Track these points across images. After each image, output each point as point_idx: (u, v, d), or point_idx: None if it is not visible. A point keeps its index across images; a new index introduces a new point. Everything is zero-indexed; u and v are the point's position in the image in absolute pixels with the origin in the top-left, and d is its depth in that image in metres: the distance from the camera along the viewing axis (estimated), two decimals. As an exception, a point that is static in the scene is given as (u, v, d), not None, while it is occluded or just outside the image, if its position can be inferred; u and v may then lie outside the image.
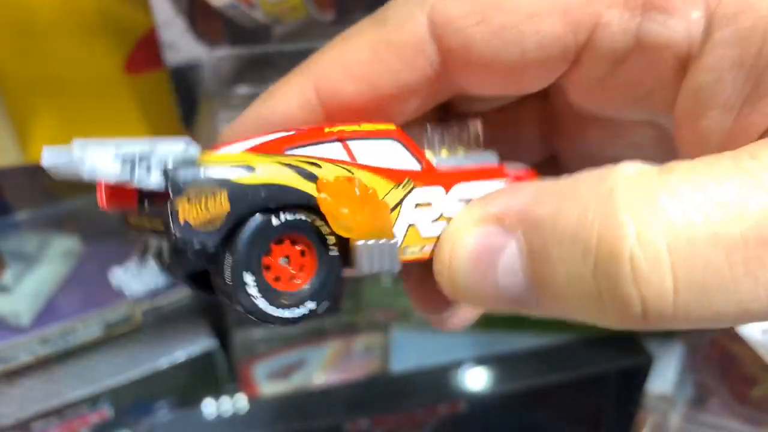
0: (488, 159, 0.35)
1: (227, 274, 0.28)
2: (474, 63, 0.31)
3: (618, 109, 0.34)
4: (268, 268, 0.29)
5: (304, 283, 0.30)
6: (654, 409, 0.97)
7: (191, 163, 0.26)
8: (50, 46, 0.69)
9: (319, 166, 0.30)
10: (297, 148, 0.30)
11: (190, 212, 0.26)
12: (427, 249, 0.32)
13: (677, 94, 0.30)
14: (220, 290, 0.29)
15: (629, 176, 0.24)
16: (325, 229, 0.29)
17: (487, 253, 0.28)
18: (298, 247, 0.30)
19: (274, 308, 0.29)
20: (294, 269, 0.30)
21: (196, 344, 0.87)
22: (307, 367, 0.98)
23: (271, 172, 0.28)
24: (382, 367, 0.99)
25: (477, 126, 0.35)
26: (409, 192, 0.31)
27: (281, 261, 0.29)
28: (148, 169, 0.26)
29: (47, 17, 0.68)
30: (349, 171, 0.30)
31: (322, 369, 0.99)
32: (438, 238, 0.32)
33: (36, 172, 0.82)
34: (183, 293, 0.89)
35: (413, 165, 0.32)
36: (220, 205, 0.26)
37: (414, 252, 0.32)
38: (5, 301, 0.82)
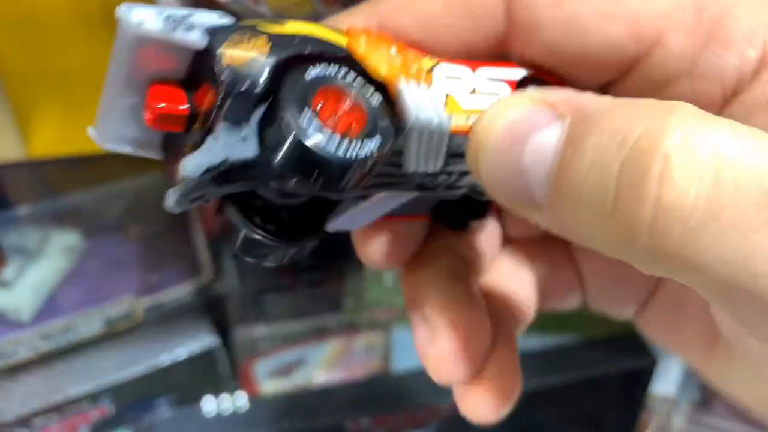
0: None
1: (277, 114, 0.26)
2: (534, 43, 0.32)
3: None
4: (319, 116, 0.27)
5: (357, 133, 0.28)
6: (657, 411, 0.97)
7: (231, 23, 0.27)
8: (53, 39, 0.69)
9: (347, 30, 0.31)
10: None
11: (232, 58, 0.26)
12: (471, 121, 0.31)
13: None
14: (274, 141, 0.27)
15: (697, 109, 0.23)
16: (372, 76, 0.29)
17: (525, 127, 0.27)
18: (346, 102, 0.28)
19: (325, 144, 0.26)
20: (346, 116, 0.28)
21: (198, 341, 0.87)
22: (307, 366, 0.97)
23: (301, 25, 0.28)
24: (383, 366, 0.99)
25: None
26: (438, 63, 0.31)
27: (331, 113, 0.28)
28: (191, 26, 0.26)
29: (50, 11, 0.67)
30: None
31: (323, 368, 0.98)
32: (480, 111, 0.31)
33: (37, 166, 0.81)
34: (185, 290, 0.89)
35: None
36: (261, 46, 0.26)
37: (459, 122, 0.31)
38: (6, 296, 0.81)
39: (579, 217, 0.25)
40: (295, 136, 0.27)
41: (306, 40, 0.28)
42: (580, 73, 0.33)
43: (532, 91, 0.30)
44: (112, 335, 0.85)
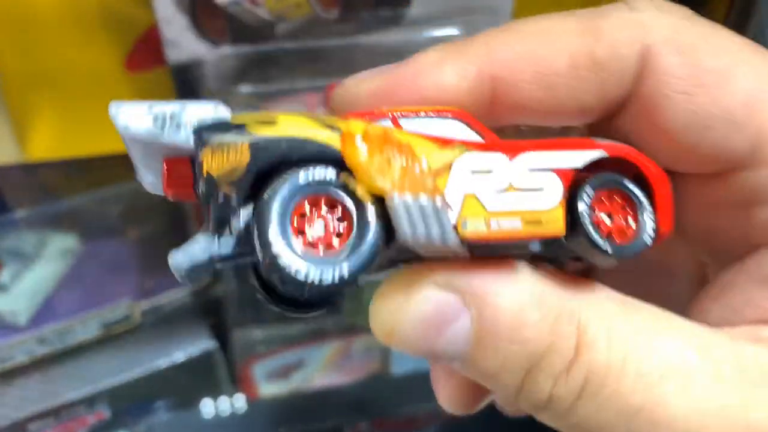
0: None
1: (255, 231, 0.26)
2: (649, 121, 0.31)
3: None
4: (299, 231, 0.27)
5: (338, 247, 0.27)
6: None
7: (219, 121, 0.27)
8: (50, 42, 0.69)
9: (347, 121, 0.28)
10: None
11: (212, 163, 0.26)
12: (498, 226, 0.28)
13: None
14: (252, 254, 0.27)
15: (602, 304, 0.29)
16: (361, 190, 0.27)
17: (437, 322, 0.29)
18: (334, 211, 0.28)
19: (295, 270, 0.26)
20: (329, 235, 0.27)
21: (195, 345, 0.87)
22: (306, 368, 0.97)
23: (293, 124, 0.27)
24: (382, 368, 0.99)
25: (581, 129, 0.32)
26: (461, 155, 0.28)
27: (315, 224, 0.27)
28: (178, 125, 0.27)
29: (47, 13, 0.67)
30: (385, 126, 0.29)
31: (322, 369, 0.98)
32: (514, 213, 0.28)
33: (34, 169, 0.81)
34: (182, 293, 0.89)
35: (472, 138, 0.30)
36: (241, 155, 0.26)
37: (478, 228, 0.28)
38: (2, 300, 0.81)
39: (489, 384, 0.30)
40: (272, 260, 0.26)
41: (294, 144, 0.27)
42: (681, 164, 0.32)
43: (438, 277, 0.29)
44: (110, 339, 0.85)
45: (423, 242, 0.27)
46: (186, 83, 0.68)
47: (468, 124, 0.30)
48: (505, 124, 0.32)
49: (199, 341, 0.87)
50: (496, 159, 0.28)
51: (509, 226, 0.28)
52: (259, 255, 0.26)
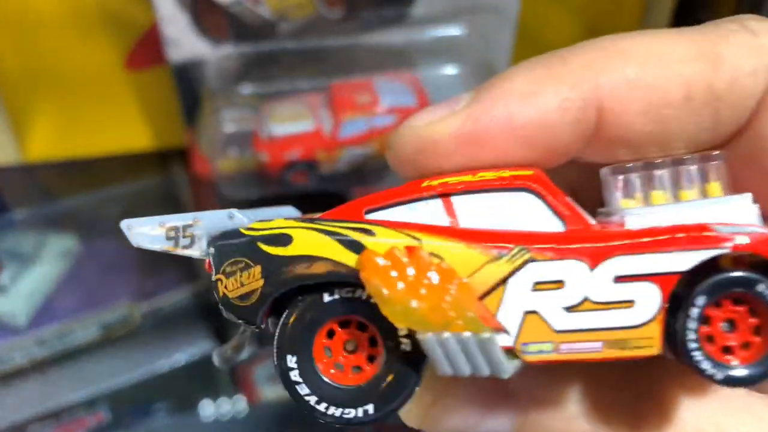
0: (724, 208, 0.25)
1: (274, 353, 0.25)
2: None
3: None
4: (327, 352, 0.25)
5: (366, 379, 0.24)
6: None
7: (232, 234, 0.25)
8: (49, 42, 0.68)
9: (372, 233, 0.24)
10: (381, 209, 0.25)
11: (227, 285, 0.25)
12: (570, 350, 0.23)
13: None
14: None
15: None
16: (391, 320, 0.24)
17: (479, 413, 0.27)
18: (366, 334, 0.25)
19: (316, 399, 0.24)
20: (359, 359, 0.25)
21: (196, 347, 0.86)
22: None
23: (308, 241, 0.24)
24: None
25: (718, 161, 0.26)
26: (522, 266, 0.23)
27: (348, 346, 0.25)
28: (192, 239, 0.26)
29: (46, 13, 0.66)
30: (416, 238, 0.24)
31: (323, 372, 0.97)
32: (592, 334, 0.23)
33: (33, 170, 0.80)
34: (182, 295, 0.88)
35: (550, 224, 0.25)
36: (255, 280, 0.25)
37: (544, 351, 0.23)
38: (1, 301, 0.80)
39: None
40: (290, 389, 0.25)
41: (308, 264, 0.24)
42: None
43: (478, 389, 0.26)
44: (109, 341, 0.84)
45: (467, 375, 0.23)
46: (187, 82, 0.67)
47: (543, 199, 0.25)
48: (602, 160, 0.27)
49: (200, 343, 0.87)
50: (571, 268, 0.23)
51: (585, 349, 0.23)
52: (280, 380, 0.25)
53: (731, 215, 0.25)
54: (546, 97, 0.26)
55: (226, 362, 0.28)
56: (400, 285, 0.23)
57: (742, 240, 0.23)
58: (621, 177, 0.26)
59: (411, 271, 0.23)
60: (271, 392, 0.95)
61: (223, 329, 0.90)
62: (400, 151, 0.27)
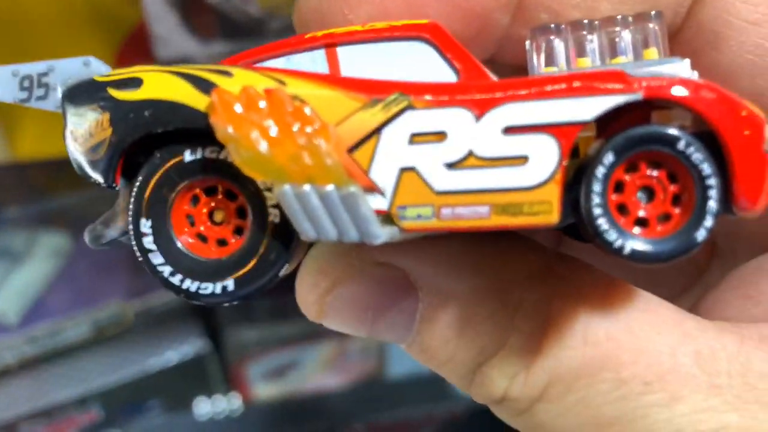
0: (662, 68, 0.22)
1: (128, 214, 0.23)
2: (717, 50, 0.26)
3: None
4: (190, 220, 0.23)
5: (229, 252, 0.22)
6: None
7: (85, 83, 0.23)
8: (39, 40, 0.68)
9: (230, 74, 0.22)
10: (267, 59, 0.23)
11: (78, 137, 0.23)
12: (453, 215, 0.20)
13: None
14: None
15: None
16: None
17: (379, 302, 0.25)
18: (235, 204, 0.23)
19: (170, 270, 0.22)
20: (224, 231, 0.23)
21: (188, 345, 0.86)
22: (302, 368, 0.96)
23: (159, 84, 0.22)
24: (378, 368, 0.98)
25: (655, 23, 0.23)
26: (398, 114, 0.21)
27: (215, 216, 0.23)
28: (46, 89, 0.24)
29: (36, 12, 0.66)
30: (279, 81, 0.21)
31: (317, 369, 0.97)
32: (478, 196, 0.20)
33: (24, 168, 0.80)
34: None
35: (444, 76, 0.22)
36: (104, 129, 0.23)
37: (423, 216, 0.21)
38: (-8, 299, 0.80)
39: (438, 371, 0.27)
40: (146, 261, 0.23)
41: (160, 112, 0.22)
42: None
43: (378, 253, 0.23)
44: (101, 339, 0.84)
45: (337, 241, 0.21)
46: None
47: (439, 49, 0.22)
48: (536, 25, 0.25)
49: (192, 342, 0.87)
50: (454, 117, 0.20)
51: (470, 215, 0.20)
52: (134, 246, 0.23)
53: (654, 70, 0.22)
54: None
55: (95, 240, 0.25)
56: (253, 129, 0.20)
57: (657, 84, 0.20)
58: (543, 40, 0.23)
59: (266, 114, 0.20)
60: (266, 390, 0.95)
61: (215, 327, 0.90)
62: (305, 3, 0.25)
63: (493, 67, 0.25)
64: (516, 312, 0.24)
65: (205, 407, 0.91)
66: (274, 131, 0.20)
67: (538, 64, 0.23)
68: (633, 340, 0.24)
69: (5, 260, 0.82)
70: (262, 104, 0.20)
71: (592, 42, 0.23)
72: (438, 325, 0.25)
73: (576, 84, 0.20)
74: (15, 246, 0.84)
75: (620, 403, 0.23)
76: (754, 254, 0.28)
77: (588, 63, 0.22)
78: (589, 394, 0.23)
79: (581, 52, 0.22)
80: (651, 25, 0.23)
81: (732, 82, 0.24)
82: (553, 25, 0.23)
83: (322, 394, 0.93)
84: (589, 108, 0.20)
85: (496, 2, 0.24)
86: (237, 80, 0.21)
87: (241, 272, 0.22)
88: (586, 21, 0.23)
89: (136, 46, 0.69)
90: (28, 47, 0.68)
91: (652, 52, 0.22)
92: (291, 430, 0.87)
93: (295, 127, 0.20)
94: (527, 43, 0.23)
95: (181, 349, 0.85)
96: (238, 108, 0.20)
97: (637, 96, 0.20)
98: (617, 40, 0.22)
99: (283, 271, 0.22)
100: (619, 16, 0.23)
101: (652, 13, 0.23)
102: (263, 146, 0.20)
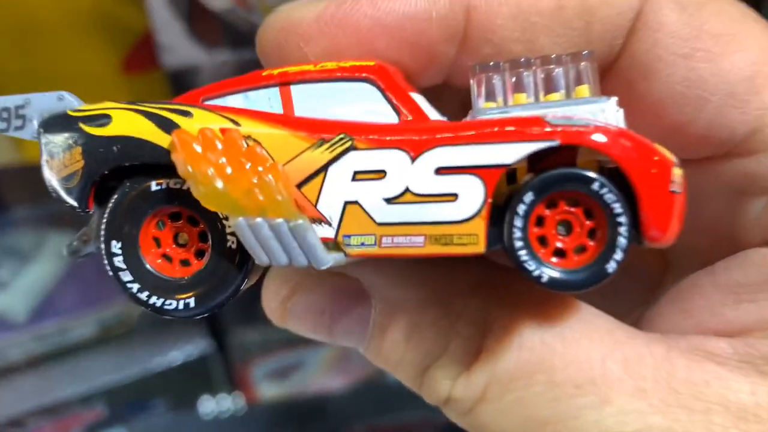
0: (588, 108, 0.24)
1: (100, 236, 0.25)
2: (644, 85, 0.28)
3: None
4: (157, 242, 0.25)
5: (191, 273, 0.25)
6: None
7: (59, 117, 0.25)
8: (48, 45, 0.69)
9: (189, 114, 0.24)
10: (217, 97, 0.25)
11: (53, 167, 0.25)
12: (392, 243, 0.23)
13: None
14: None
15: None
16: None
17: (335, 308, 0.28)
18: (197, 229, 0.25)
19: (138, 287, 0.25)
20: (187, 253, 0.25)
21: (193, 346, 0.87)
22: (305, 369, 0.97)
23: (126, 122, 0.24)
24: (379, 371, 0.98)
25: (587, 62, 0.25)
26: (342, 154, 0.23)
27: (179, 239, 0.25)
28: (23, 121, 0.26)
29: (45, 17, 0.67)
30: (234, 122, 0.24)
31: (320, 371, 0.98)
32: (414, 227, 0.23)
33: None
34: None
35: (387, 117, 0.24)
36: (76, 161, 0.25)
37: (366, 244, 0.23)
38: (1, 297, 0.81)
39: (392, 372, 0.29)
40: (116, 276, 0.25)
41: (128, 148, 0.24)
42: (667, 146, 0.27)
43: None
44: (107, 338, 0.85)
45: (287, 266, 0.23)
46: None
47: (382, 91, 0.25)
48: (479, 62, 0.27)
49: (196, 342, 0.87)
50: (392, 158, 0.23)
51: (408, 244, 0.23)
52: (105, 264, 0.25)
53: (591, 116, 0.23)
54: None
55: (73, 253, 0.28)
56: (209, 166, 0.23)
57: (573, 131, 0.22)
58: (483, 77, 0.25)
59: (222, 153, 0.23)
60: (269, 391, 0.96)
61: (220, 328, 0.90)
62: (265, 36, 0.27)
63: (445, 91, 0.28)
64: (458, 319, 0.27)
65: (209, 406, 0.91)
66: (228, 169, 0.22)
67: (478, 98, 0.25)
68: (566, 346, 0.25)
69: (14, 259, 0.84)
70: (218, 144, 0.23)
71: (529, 78, 0.24)
72: (389, 331, 0.27)
73: (497, 129, 0.22)
74: (24, 246, 0.85)
75: (553, 404, 0.25)
76: (695, 270, 0.30)
77: (524, 99, 0.24)
78: (525, 395, 0.25)
79: (519, 87, 0.24)
80: (583, 64, 0.24)
81: (662, 110, 0.27)
82: (492, 63, 0.25)
83: (324, 395, 0.93)
84: (510, 153, 0.22)
85: (441, 36, 0.26)
86: (196, 120, 0.24)
87: (201, 290, 0.24)
88: (523, 59, 0.25)
89: (142, 54, 0.69)
90: (36, 54, 0.69)
91: (584, 89, 0.24)
92: (293, 430, 0.88)
93: (248, 165, 0.22)
94: (470, 78, 0.25)
95: (186, 349, 0.86)
96: (196, 147, 0.23)
97: (555, 143, 0.22)
98: (552, 77, 0.24)
99: (241, 290, 0.25)
100: (554, 55, 0.25)
101: (585, 52, 0.25)
102: (219, 183, 0.22)
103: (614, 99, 0.24)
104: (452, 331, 0.27)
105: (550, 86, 0.25)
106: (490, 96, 0.25)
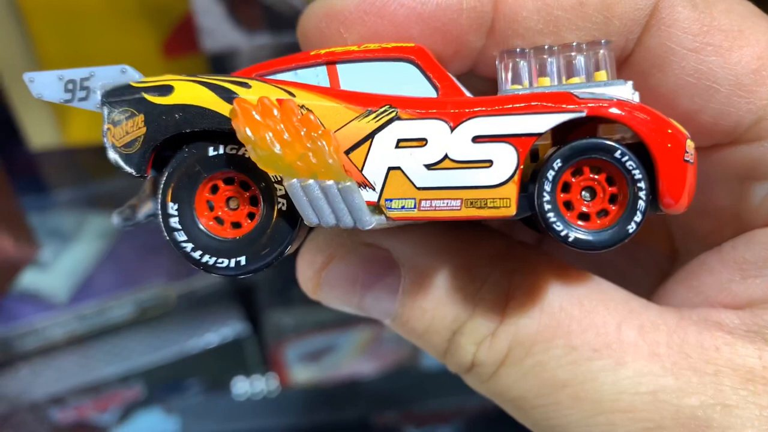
0: (608, 90, 0.26)
1: (158, 198, 0.26)
2: (659, 75, 0.30)
3: None
4: (210, 206, 0.26)
5: (243, 233, 0.26)
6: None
7: (122, 87, 0.26)
8: (89, 29, 0.69)
9: (248, 86, 0.25)
10: (269, 74, 0.27)
11: (115, 134, 0.26)
12: (431, 206, 0.24)
13: None
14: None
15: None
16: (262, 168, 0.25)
17: (365, 277, 0.29)
18: (248, 193, 0.26)
19: (192, 246, 0.26)
20: (239, 216, 0.26)
21: (228, 328, 0.88)
22: (337, 352, 0.97)
23: (188, 91, 0.26)
24: (413, 356, 0.98)
25: (605, 50, 0.27)
26: (387, 123, 0.25)
27: (231, 203, 0.27)
28: (87, 92, 0.27)
29: (87, 3, 0.67)
30: (289, 93, 0.25)
31: (353, 355, 0.98)
32: (452, 191, 0.24)
33: (74, 152, 0.82)
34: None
35: (426, 92, 0.26)
36: (139, 128, 0.26)
37: (406, 207, 0.25)
38: (43, 278, 0.83)
39: (418, 343, 0.30)
40: (172, 239, 0.26)
41: (189, 115, 0.25)
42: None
43: (366, 235, 0.27)
44: (145, 319, 0.86)
45: (334, 226, 0.25)
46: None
47: (422, 70, 0.26)
48: (504, 48, 0.29)
49: (232, 325, 0.88)
50: (433, 127, 0.25)
51: (445, 207, 0.24)
52: (161, 225, 0.26)
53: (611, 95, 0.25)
54: None
55: (124, 221, 0.29)
56: (267, 132, 0.24)
57: (598, 104, 0.24)
58: (510, 62, 0.27)
59: (279, 120, 0.24)
60: (302, 373, 0.97)
61: (254, 311, 0.91)
62: (307, 21, 0.29)
63: (471, 79, 0.29)
64: (482, 285, 0.28)
65: (243, 387, 0.93)
66: (285, 135, 0.24)
67: (505, 81, 0.27)
68: (583, 312, 0.27)
69: (56, 240, 0.85)
70: (275, 112, 0.24)
71: (552, 64, 0.27)
72: (417, 298, 0.29)
73: (533, 103, 0.24)
74: (65, 227, 0.86)
75: (571, 367, 0.27)
76: (703, 251, 0.32)
77: (548, 82, 0.26)
78: (544, 358, 0.27)
79: (542, 72, 0.26)
80: (602, 51, 0.26)
81: (674, 100, 0.28)
82: (518, 49, 0.27)
83: (356, 379, 0.93)
84: (542, 123, 0.24)
85: (470, 26, 0.28)
86: (254, 91, 0.25)
87: (252, 250, 0.26)
88: (546, 46, 0.27)
89: (182, 37, 0.69)
90: (77, 37, 0.69)
91: (602, 75, 0.26)
92: (326, 414, 0.89)
93: (303, 132, 0.24)
94: (497, 62, 0.27)
95: (221, 331, 0.87)
96: (255, 115, 0.24)
97: (582, 114, 0.24)
98: (573, 63, 0.26)
99: (288, 250, 0.26)
100: (574, 43, 0.27)
101: (603, 41, 0.27)
102: (276, 147, 0.24)
103: (630, 83, 0.26)
104: (477, 297, 0.28)
105: (571, 71, 0.26)
106: (516, 79, 0.27)
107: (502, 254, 0.29)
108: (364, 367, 0.97)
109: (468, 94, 0.27)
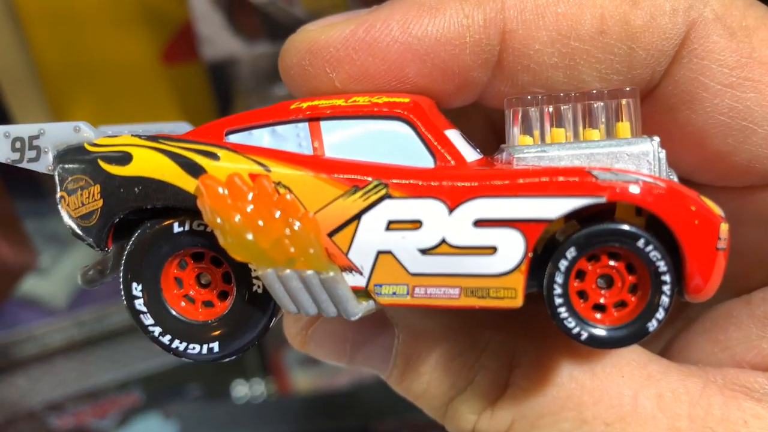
0: (624, 149, 0.22)
1: (120, 278, 0.24)
2: (687, 113, 0.27)
3: None
4: (179, 282, 0.24)
5: (215, 315, 0.24)
6: None
7: (76, 150, 0.24)
8: (88, 36, 0.69)
9: (216, 157, 0.22)
10: (243, 130, 0.24)
11: (69, 204, 0.25)
12: (426, 294, 0.22)
13: None
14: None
15: None
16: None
17: (356, 336, 0.28)
18: (221, 270, 0.24)
19: (160, 331, 0.24)
20: (210, 294, 0.24)
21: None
22: (338, 357, 0.97)
23: (148, 162, 0.23)
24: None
25: (631, 98, 0.24)
26: (376, 202, 0.22)
27: (202, 280, 0.24)
28: (37, 152, 0.25)
29: (85, 6, 0.67)
30: (263, 165, 0.22)
31: (353, 360, 0.98)
32: (449, 279, 0.21)
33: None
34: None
35: (421, 158, 0.23)
36: (95, 200, 0.24)
37: (398, 294, 0.22)
38: (41, 283, 0.82)
39: (415, 402, 0.28)
40: (138, 321, 0.25)
41: (149, 190, 0.23)
42: (707, 174, 0.26)
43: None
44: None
45: (314, 315, 0.22)
46: (221, 80, 0.67)
47: (418, 132, 0.23)
48: (511, 92, 0.25)
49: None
50: (428, 208, 0.22)
51: (442, 295, 0.22)
52: (126, 307, 0.25)
53: (631, 160, 0.22)
54: (447, 12, 0.24)
55: (88, 282, 0.27)
56: (237, 216, 0.21)
57: (621, 189, 0.21)
58: (519, 109, 0.23)
59: (251, 202, 0.21)
60: (302, 377, 0.96)
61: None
62: (289, 57, 0.26)
63: (472, 110, 0.27)
64: (483, 351, 0.26)
65: (242, 391, 0.92)
66: (258, 219, 0.21)
67: (513, 132, 0.23)
68: (595, 381, 0.25)
69: (55, 246, 0.85)
70: (247, 192, 0.21)
71: (567, 111, 0.23)
72: (412, 361, 0.27)
73: (543, 179, 0.20)
74: (63, 232, 0.86)
75: None
76: (728, 295, 0.28)
77: (562, 134, 0.23)
78: None
79: (557, 121, 0.23)
80: (625, 100, 0.23)
81: (704, 139, 0.25)
82: (529, 96, 0.23)
83: (357, 386, 0.93)
84: (555, 208, 0.21)
85: (475, 62, 0.24)
86: (222, 164, 0.22)
87: (224, 335, 0.23)
88: (561, 94, 0.23)
89: (182, 45, 0.69)
90: (77, 44, 0.69)
91: (626, 128, 0.23)
92: (326, 420, 0.88)
93: (278, 215, 0.21)
94: (504, 109, 0.24)
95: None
96: (224, 195, 0.21)
97: (601, 200, 0.20)
98: (591, 111, 0.23)
99: (269, 328, 0.24)
100: (594, 90, 0.23)
101: (627, 88, 0.23)
102: (248, 234, 0.21)
103: (657, 140, 0.23)
104: (477, 364, 0.26)
105: (589, 120, 0.23)
106: (527, 129, 0.23)
107: (504, 315, 0.25)
108: (364, 373, 0.97)
109: (472, 153, 0.24)
